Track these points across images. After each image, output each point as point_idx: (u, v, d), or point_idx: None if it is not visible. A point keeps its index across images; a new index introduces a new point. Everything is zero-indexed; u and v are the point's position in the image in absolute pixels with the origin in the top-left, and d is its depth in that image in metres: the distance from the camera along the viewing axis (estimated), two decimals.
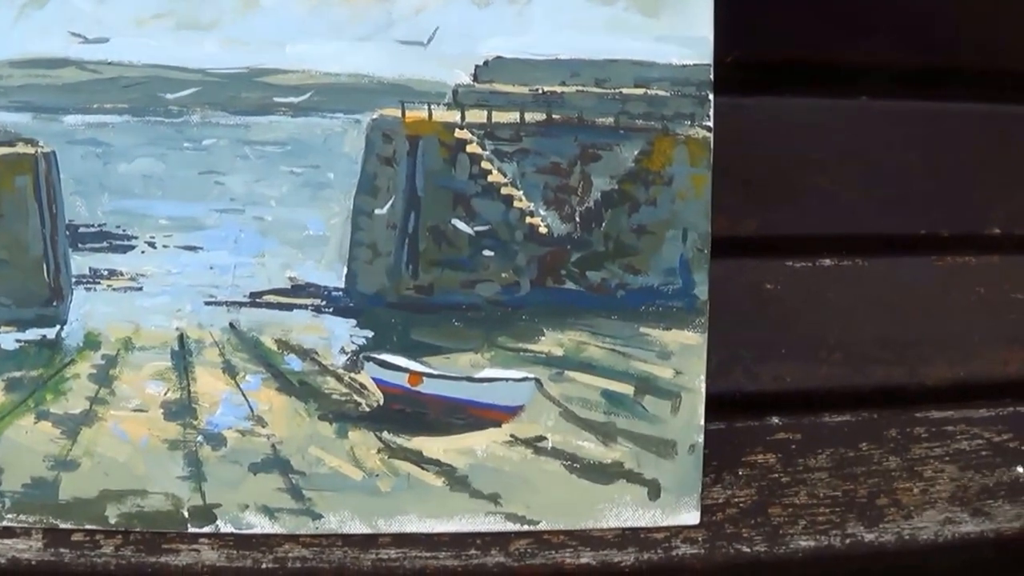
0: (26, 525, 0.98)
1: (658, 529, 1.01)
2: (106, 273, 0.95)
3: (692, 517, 0.99)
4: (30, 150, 0.94)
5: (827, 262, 1.07)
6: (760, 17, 0.99)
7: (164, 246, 0.96)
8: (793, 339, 1.06)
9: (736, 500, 1.04)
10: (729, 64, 0.97)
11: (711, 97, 0.93)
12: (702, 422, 0.97)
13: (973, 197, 1.09)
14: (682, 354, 0.96)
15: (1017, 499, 1.08)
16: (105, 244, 0.95)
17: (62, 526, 0.98)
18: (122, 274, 0.96)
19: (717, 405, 1.01)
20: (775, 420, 1.06)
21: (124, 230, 0.95)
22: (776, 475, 1.05)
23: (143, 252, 0.95)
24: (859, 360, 1.07)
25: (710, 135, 0.93)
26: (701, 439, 0.97)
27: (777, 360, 1.06)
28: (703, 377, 0.96)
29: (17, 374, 0.96)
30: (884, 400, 1.08)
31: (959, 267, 1.09)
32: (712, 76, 0.93)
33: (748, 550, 1.05)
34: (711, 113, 0.93)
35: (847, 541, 1.06)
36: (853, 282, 1.07)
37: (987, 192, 1.09)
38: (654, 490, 0.98)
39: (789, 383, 1.06)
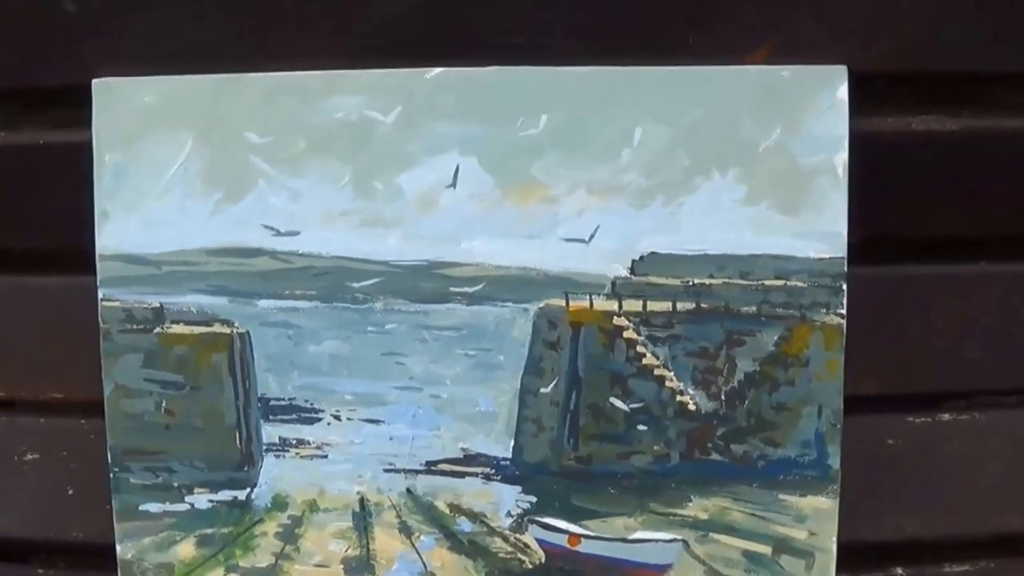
0: None
1: None
2: (295, 442, 1.18)
3: None
4: (226, 330, 1.16)
5: (945, 416, 1.25)
6: (885, 202, 1.18)
7: (348, 419, 1.17)
8: (914, 491, 1.23)
9: None
10: (855, 243, 1.18)
11: (844, 287, 1.14)
12: None
13: None
14: (816, 517, 1.16)
15: None
16: (294, 416, 1.17)
17: None
18: (309, 443, 1.18)
19: (843, 556, 1.18)
20: (899, 571, 1.25)
21: (312, 404, 1.17)
22: None
23: (329, 424, 1.17)
24: (978, 510, 1.24)
25: (843, 322, 1.13)
26: None
27: (899, 511, 1.23)
28: (835, 538, 1.16)
29: (208, 531, 1.18)
30: (1002, 550, 1.25)
31: None
32: (846, 268, 1.14)
33: None
34: (844, 302, 1.14)
35: None
36: (970, 435, 1.24)
37: None
38: None
39: (910, 533, 1.24)
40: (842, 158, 1.10)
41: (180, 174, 1.12)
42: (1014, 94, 1.17)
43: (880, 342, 1.20)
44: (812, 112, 1.09)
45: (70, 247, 1.16)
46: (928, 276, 1.22)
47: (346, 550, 1.15)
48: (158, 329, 1.13)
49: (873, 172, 1.14)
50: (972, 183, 1.18)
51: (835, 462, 1.13)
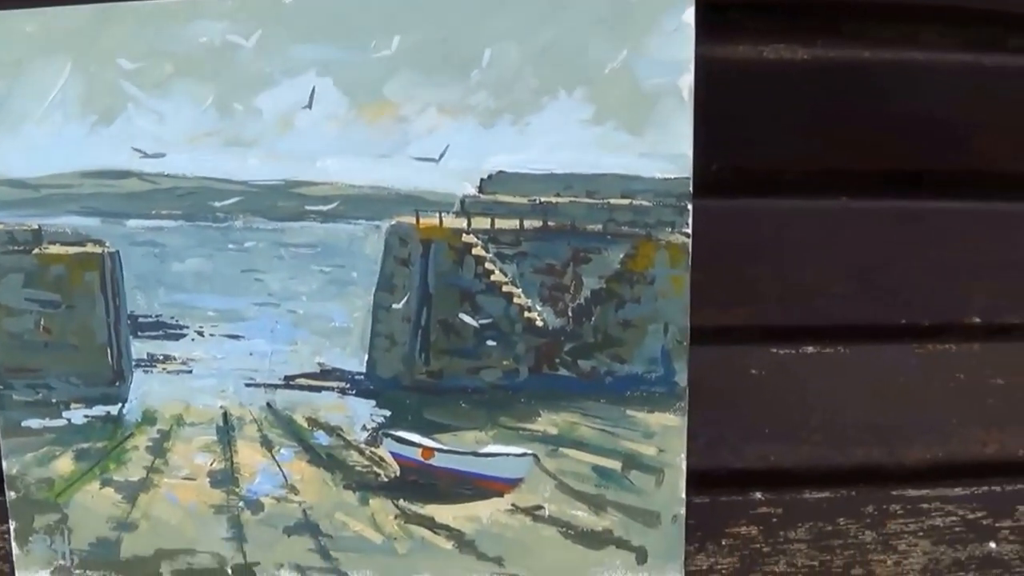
0: None
1: None
2: (161, 358, 1.19)
3: None
4: (97, 250, 1.18)
5: (810, 349, 1.25)
6: (741, 130, 1.19)
7: (211, 335, 1.18)
8: (777, 421, 1.24)
9: (719, 567, 1.23)
10: (715, 171, 1.18)
11: (690, 207, 1.13)
12: (683, 495, 1.16)
13: (952, 289, 1.25)
14: (664, 434, 1.16)
15: (988, 572, 1.24)
16: (161, 332, 1.18)
17: None
18: (175, 359, 1.19)
19: (704, 481, 1.20)
20: (758, 495, 1.24)
21: (177, 320, 1.18)
22: (757, 545, 1.23)
23: (193, 340, 1.18)
24: (840, 441, 1.24)
25: (688, 240, 1.13)
26: (683, 510, 1.16)
27: (762, 440, 1.24)
28: (683, 455, 1.15)
29: (85, 445, 1.20)
30: (863, 478, 1.25)
31: (940, 354, 1.26)
32: (691, 188, 1.13)
33: None
34: (690, 221, 1.13)
35: None
36: (835, 368, 1.24)
37: (966, 283, 1.25)
38: (641, 555, 1.18)
39: (773, 461, 1.24)
40: (687, 81, 1.10)
41: (59, 99, 1.13)
42: (871, 26, 1.16)
43: (746, 275, 1.20)
44: (657, 35, 1.10)
45: None
46: (791, 210, 1.22)
47: (211, 463, 1.17)
48: (37, 250, 1.14)
49: (724, 99, 1.13)
50: (825, 114, 1.17)
51: (682, 379, 1.13)
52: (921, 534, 1.25)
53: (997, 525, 1.25)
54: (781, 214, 1.23)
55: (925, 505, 1.25)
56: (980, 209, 1.25)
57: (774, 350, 1.25)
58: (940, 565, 1.24)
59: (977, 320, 1.27)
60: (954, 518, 1.25)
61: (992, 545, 1.24)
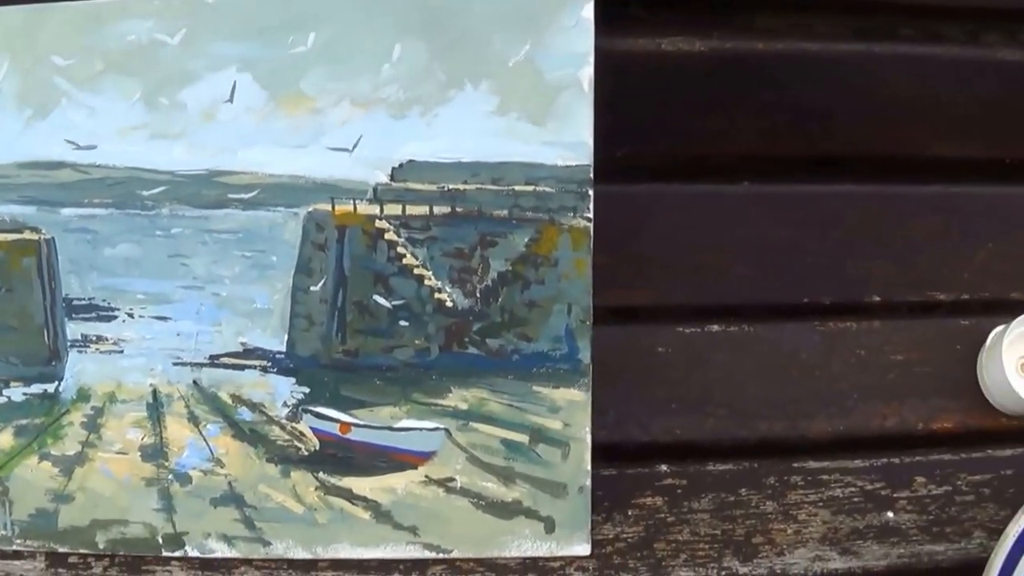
0: (31, 549, 1.26)
1: (554, 558, 1.25)
2: (94, 338, 1.24)
3: (583, 549, 1.23)
4: (34, 236, 1.23)
5: (715, 327, 1.30)
6: (644, 119, 1.24)
7: (140, 316, 1.23)
8: (683, 396, 1.29)
9: (624, 536, 1.27)
10: (619, 158, 1.23)
11: (591, 192, 1.18)
12: (588, 467, 1.21)
13: (852, 269, 1.31)
14: (569, 409, 1.21)
15: (885, 540, 1.28)
16: (94, 314, 1.24)
17: (60, 550, 1.26)
18: (107, 339, 1.24)
19: (611, 454, 1.25)
20: (663, 467, 1.29)
21: (109, 303, 1.23)
22: (662, 515, 1.27)
23: (124, 321, 1.24)
24: (743, 415, 1.29)
25: (590, 224, 1.18)
26: (588, 482, 1.21)
27: (667, 415, 1.29)
28: (588, 429, 1.20)
29: (24, 422, 1.25)
30: (766, 451, 1.29)
31: (841, 331, 1.31)
32: (591, 175, 1.18)
33: None
34: (591, 206, 1.18)
35: (723, 574, 1.28)
36: (739, 346, 1.29)
37: (866, 264, 1.31)
38: (549, 525, 1.23)
39: (678, 435, 1.29)
40: (587, 73, 1.15)
41: None
42: (764, 18, 1.21)
43: (650, 257, 1.25)
44: (558, 30, 1.15)
45: None
46: (695, 194, 1.26)
47: (142, 438, 1.21)
48: None
49: (626, 90, 1.18)
50: (724, 103, 1.22)
51: (585, 357, 1.17)
52: (821, 504, 1.28)
53: (895, 495, 1.28)
54: (686, 198, 1.27)
55: (825, 476, 1.29)
56: (877, 192, 1.30)
57: (679, 329, 1.29)
58: (839, 534, 1.27)
59: (877, 299, 1.32)
60: (853, 489, 1.29)
61: (890, 514, 1.28)
